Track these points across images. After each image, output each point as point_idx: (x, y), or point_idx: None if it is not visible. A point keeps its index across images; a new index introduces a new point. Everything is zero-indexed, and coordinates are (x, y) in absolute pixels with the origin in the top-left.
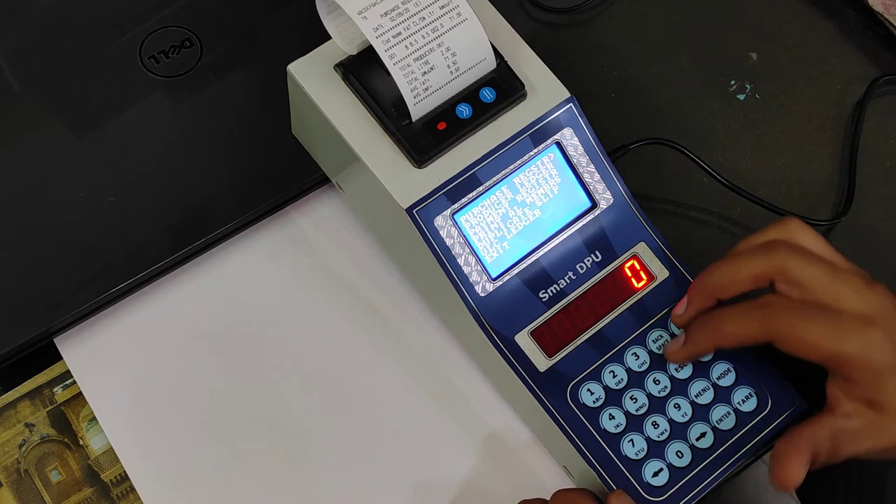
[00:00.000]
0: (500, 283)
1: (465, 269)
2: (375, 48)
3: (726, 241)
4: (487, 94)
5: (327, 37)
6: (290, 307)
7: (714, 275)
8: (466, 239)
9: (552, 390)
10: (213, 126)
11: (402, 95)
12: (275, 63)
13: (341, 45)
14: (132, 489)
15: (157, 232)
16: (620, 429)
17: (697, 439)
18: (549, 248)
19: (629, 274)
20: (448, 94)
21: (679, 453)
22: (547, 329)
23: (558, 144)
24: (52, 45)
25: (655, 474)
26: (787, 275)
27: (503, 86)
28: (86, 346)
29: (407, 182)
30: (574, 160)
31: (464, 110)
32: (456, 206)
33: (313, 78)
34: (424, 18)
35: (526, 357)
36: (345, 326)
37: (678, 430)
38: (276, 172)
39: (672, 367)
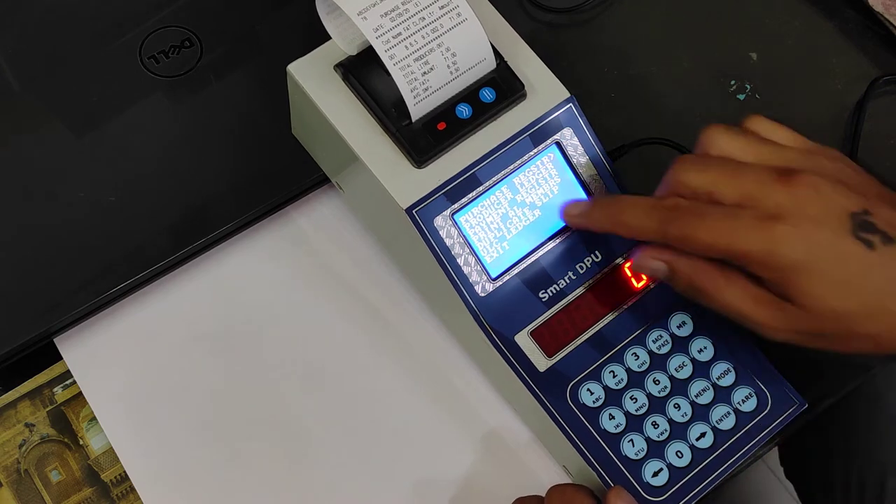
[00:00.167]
0: (500, 283)
1: (465, 269)
2: (375, 48)
3: None
4: (487, 95)
5: (327, 37)
6: (290, 307)
7: (624, 215)
8: (466, 239)
9: (552, 390)
10: (213, 126)
11: (401, 96)
12: (275, 63)
13: (341, 45)
14: (132, 489)
15: (157, 232)
16: (620, 429)
17: (697, 439)
18: (549, 248)
19: (629, 274)
20: (448, 94)
21: (679, 453)
22: (547, 329)
23: (558, 144)
24: (52, 45)
25: (655, 474)
26: (686, 189)
27: (503, 86)
28: (86, 346)
29: (407, 182)
30: (574, 160)
31: (464, 110)
32: (456, 206)
33: (313, 78)
34: (424, 19)
35: (526, 357)
36: (345, 326)
37: (678, 430)
38: (276, 172)
39: (672, 368)
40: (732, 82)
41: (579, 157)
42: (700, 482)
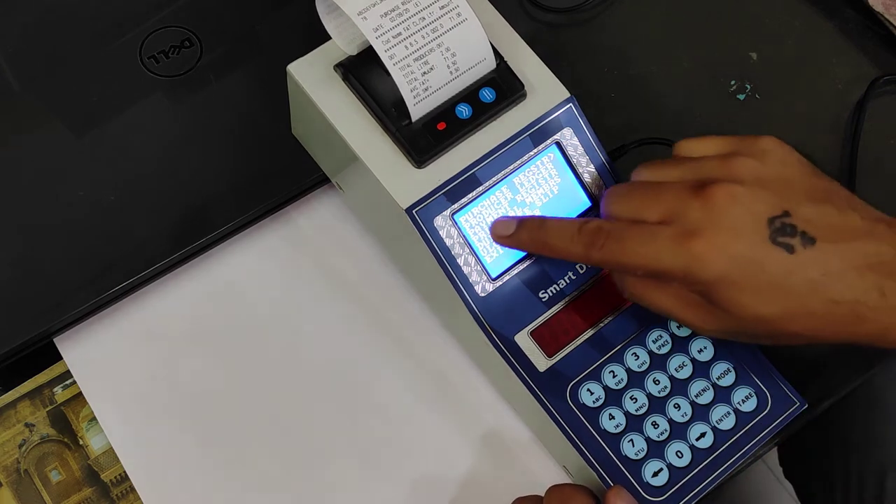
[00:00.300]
0: (500, 283)
1: (465, 269)
2: (375, 48)
3: None
4: (487, 95)
5: (327, 37)
6: (290, 307)
7: (549, 238)
8: (466, 239)
9: (552, 390)
10: (213, 126)
11: (401, 96)
12: (275, 63)
13: (341, 45)
14: (132, 489)
15: (157, 232)
16: (620, 429)
17: (697, 439)
18: None
19: None
20: (448, 94)
21: (679, 453)
22: (547, 329)
23: (558, 144)
24: (52, 45)
25: (655, 474)
26: (617, 219)
27: (503, 86)
28: (86, 346)
29: (407, 182)
30: (574, 160)
31: (463, 110)
32: (456, 206)
33: (313, 78)
34: (424, 19)
35: (526, 357)
36: (345, 326)
37: (678, 430)
38: (276, 172)
39: (672, 368)
40: (732, 82)
41: (579, 157)
42: (700, 482)
